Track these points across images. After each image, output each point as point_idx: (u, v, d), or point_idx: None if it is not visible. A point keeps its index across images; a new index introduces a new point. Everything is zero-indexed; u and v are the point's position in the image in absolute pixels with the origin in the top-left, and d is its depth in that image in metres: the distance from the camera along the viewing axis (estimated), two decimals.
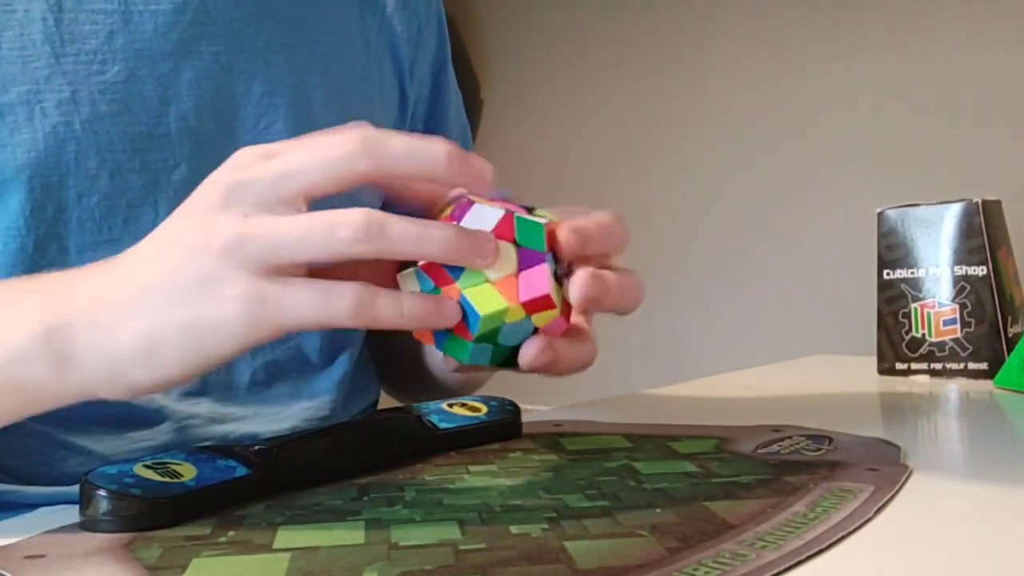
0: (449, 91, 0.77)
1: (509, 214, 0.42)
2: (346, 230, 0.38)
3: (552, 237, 0.42)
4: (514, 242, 0.42)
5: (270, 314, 0.39)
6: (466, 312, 0.41)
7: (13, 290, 0.45)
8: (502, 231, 0.41)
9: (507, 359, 0.43)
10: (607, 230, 0.44)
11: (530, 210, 0.44)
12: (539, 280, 0.41)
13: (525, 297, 0.41)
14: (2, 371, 0.42)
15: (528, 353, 0.42)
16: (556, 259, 0.43)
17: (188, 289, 0.39)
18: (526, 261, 0.41)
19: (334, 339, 0.66)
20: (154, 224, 0.55)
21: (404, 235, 0.39)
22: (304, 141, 0.41)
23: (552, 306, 0.41)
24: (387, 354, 0.75)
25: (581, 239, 0.42)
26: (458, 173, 0.40)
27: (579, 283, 0.41)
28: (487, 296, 0.41)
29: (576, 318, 0.46)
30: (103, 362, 0.41)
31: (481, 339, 0.41)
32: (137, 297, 0.40)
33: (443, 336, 0.42)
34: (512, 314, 0.41)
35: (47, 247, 0.53)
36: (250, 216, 0.39)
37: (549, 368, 0.42)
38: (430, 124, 0.75)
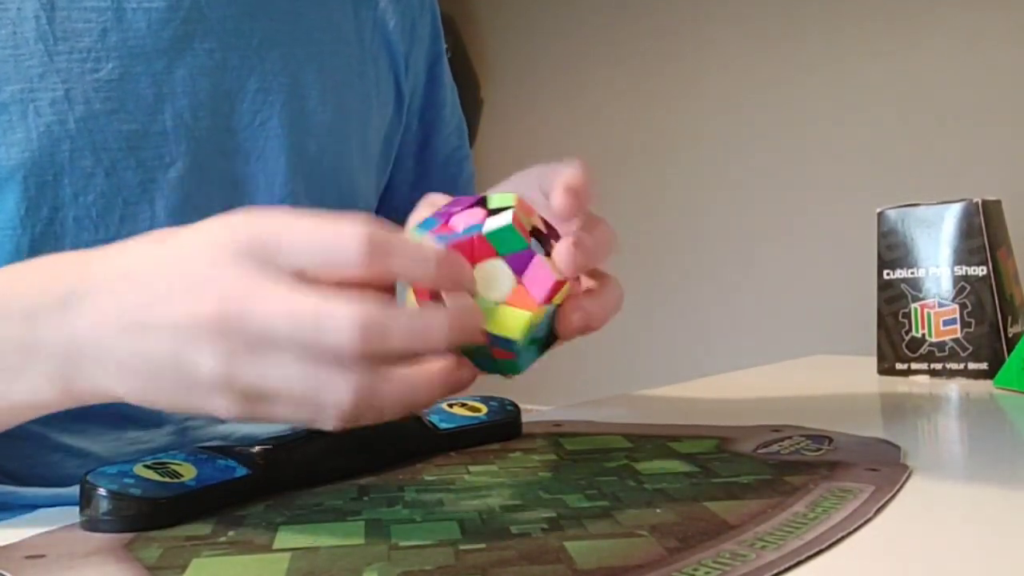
0: (444, 85, 0.77)
1: (478, 237, 0.41)
2: (335, 396, 0.36)
3: (523, 217, 0.42)
4: (496, 255, 0.42)
5: (260, 413, 0.38)
6: (499, 340, 0.41)
7: (22, 330, 0.42)
8: (481, 253, 0.41)
9: (548, 341, 0.44)
10: (605, 235, 0.44)
11: (485, 202, 0.43)
12: (542, 275, 0.41)
13: (540, 297, 0.41)
14: (9, 403, 0.43)
15: (565, 326, 0.42)
16: (539, 237, 0.43)
17: (177, 384, 0.38)
18: (518, 264, 0.41)
19: None
20: (151, 222, 0.55)
21: (392, 395, 0.37)
22: (311, 238, 0.38)
23: (563, 283, 0.41)
24: None
25: (584, 255, 0.42)
26: (442, 281, 0.38)
27: (564, 257, 0.41)
28: (508, 318, 0.40)
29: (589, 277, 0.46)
30: (100, 396, 0.41)
31: (522, 349, 0.41)
32: (124, 367, 0.39)
33: (490, 364, 0.42)
34: (537, 317, 0.41)
35: (43, 246, 0.53)
36: (239, 353, 0.37)
37: (588, 327, 0.43)
38: (426, 118, 0.75)
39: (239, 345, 0.36)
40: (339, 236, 0.37)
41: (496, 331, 0.40)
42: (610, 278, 0.46)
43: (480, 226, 0.41)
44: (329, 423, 0.37)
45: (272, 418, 0.38)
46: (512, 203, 0.42)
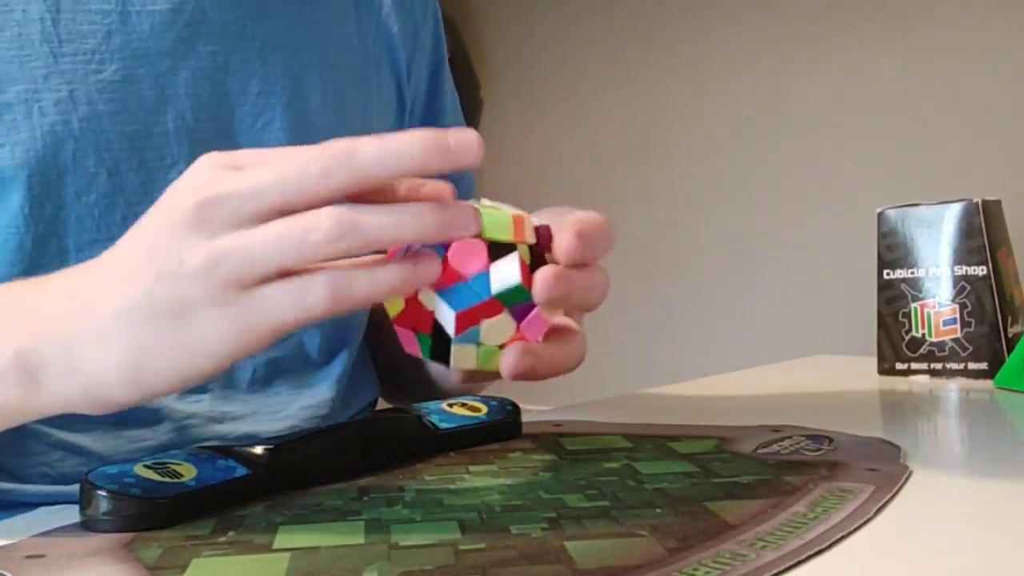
0: (446, 92, 0.77)
1: (491, 300, 0.42)
2: (318, 233, 0.37)
3: (522, 250, 0.42)
4: (504, 309, 0.42)
5: (254, 326, 0.38)
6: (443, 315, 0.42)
7: None
8: (491, 311, 0.42)
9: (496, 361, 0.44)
10: (603, 231, 0.44)
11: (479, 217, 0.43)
12: (538, 323, 0.43)
13: (532, 340, 0.43)
14: None
15: (507, 360, 0.42)
16: (531, 247, 0.43)
17: (166, 314, 0.39)
18: (521, 312, 0.43)
19: (333, 337, 0.66)
20: None
21: (379, 225, 0.38)
22: (273, 155, 0.40)
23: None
24: (387, 361, 0.75)
25: (582, 243, 0.42)
26: (437, 161, 0.39)
27: (542, 283, 0.41)
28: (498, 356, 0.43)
29: (563, 318, 0.46)
30: (79, 385, 0.40)
31: (462, 340, 0.42)
32: (112, 324, 0.39)
33: (426, 341, 0.43)
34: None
35: (46, 245, 0.53)
36: (220, 235, 0.38)
37: (531, 373, 0.42)
38: (427, 124, 0.75)
39: (218, 226, 0.38)
40: (305, 158, 0.38)
41: (489, 367, 0.43)
42: (577, 334, 0.45)
43: (488, 286, 0.41)
44: (322, 300, 0.38)
45: (267, 318, 0.38)
46: (508, 233, 0.42)
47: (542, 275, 0.41)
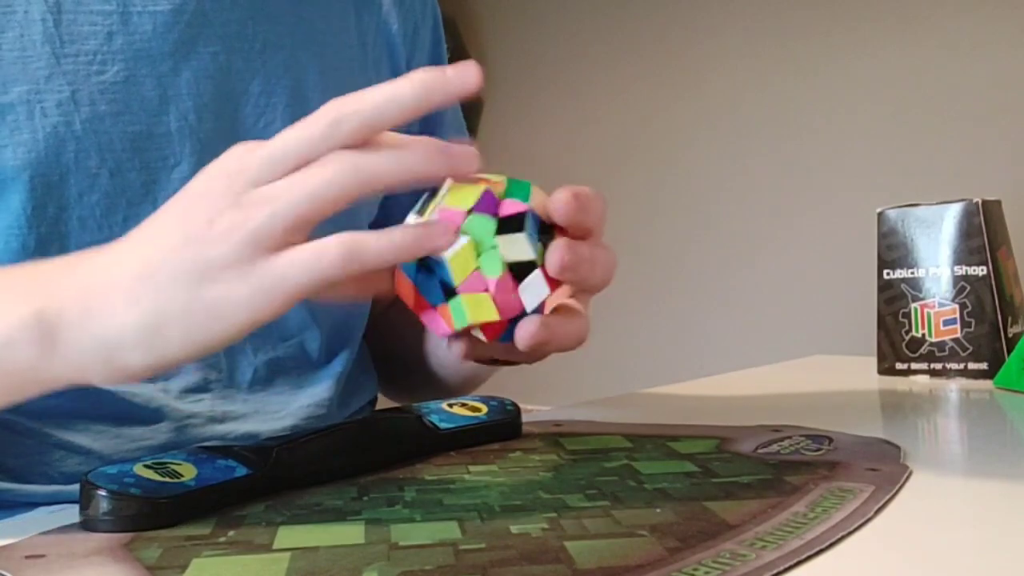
0: None
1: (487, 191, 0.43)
2: (327, 171, 0.40)
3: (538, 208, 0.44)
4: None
5: (270, 291, 0.40)
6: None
7: (4, 277, 0.46)
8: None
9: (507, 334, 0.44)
10: (596, 197, 0.45)
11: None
12: (514, 206, 0.43)
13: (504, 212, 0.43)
14: None
15: (523, 331, 0.43)
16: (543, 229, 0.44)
17: (188, 276, 0.40)
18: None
19: (333, 336, 0.66)
20: None
21: (384, 160, 0.40)
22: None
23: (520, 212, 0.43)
24: (387, 353, 0.75)
25: (579, 204, 0.43)
26: (441, 92, 0.41)
27: (555, 252, 0.43)
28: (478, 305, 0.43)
29: (569, 300, 0.47)
30: (97, 346, 0.41)
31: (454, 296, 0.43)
32: (135, 282, 0.41)
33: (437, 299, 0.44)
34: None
35: (48, 246, 0.53)
36: (245, 196, 0.40)
37: (546, 344, 0.44)
38: (426, 125, 0.75)
39: (244, 188, 0.40)
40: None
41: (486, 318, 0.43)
42: (580, 313, 0.46)
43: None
44: (337, 258, 0.39)
45: (285, 282, 0.39)
46: (470, 201, 0.43)
47: (555, 244, 0.43)
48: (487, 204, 0.42)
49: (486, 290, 0.42)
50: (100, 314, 0.41)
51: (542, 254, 0.43)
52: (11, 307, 0.42)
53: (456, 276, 0.42)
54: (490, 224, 0.42)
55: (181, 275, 0.40)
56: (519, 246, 0.42)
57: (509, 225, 0.42)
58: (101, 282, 0.41)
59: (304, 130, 0.41)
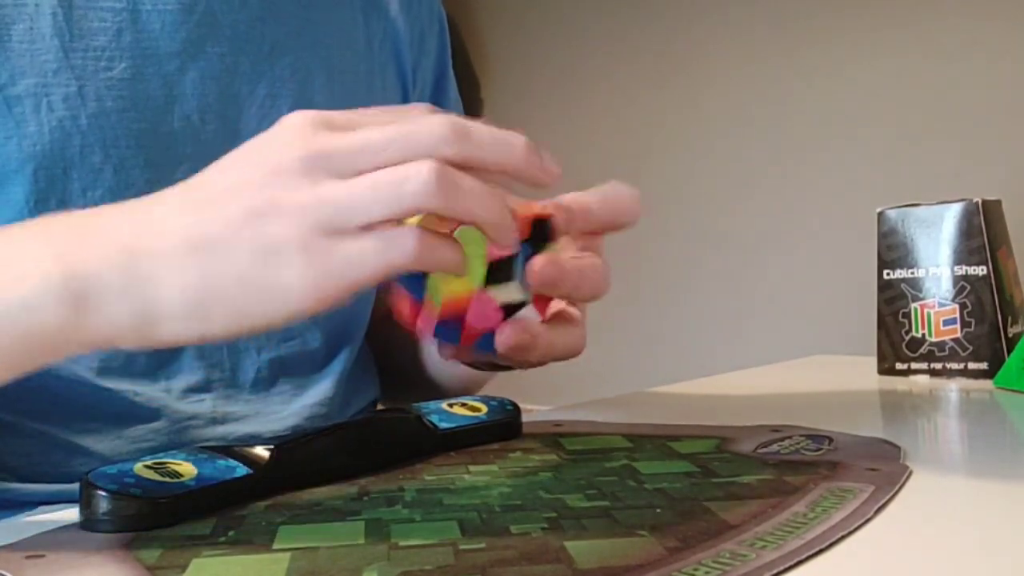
0: (450, 99, 0.77)
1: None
2: (415, 183, 0.37)
3: (525, 226, 0.43)
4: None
5: (333, 275, 0.37)
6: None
7: (17, 233, 0.42)
8: None
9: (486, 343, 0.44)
10: (605, 203, 0.45)
11: None
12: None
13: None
14: (14, 316, 0.38)
15: (503, 335, 0.43)
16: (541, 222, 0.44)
17: (249, 250, 0.37)
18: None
19: (335, 334, 0.66)
20: None
21: (472, 193, 0.38)
22: (365, 116, 0.40)
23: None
24: (386, 356, 0.75)
25: (569, 218, 0.43)
26: (530, 167, 0.39)
27: (534, 266, 0.42)
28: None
29: (570, 308, 0.47)
30: (133, 311, 0.38)
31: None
32: (185, 251, 0.38)
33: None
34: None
35: None
36: (322, 184, 0.38)
37: (525, 351, 0.43)
38: None
39: (323, 176, 0.38)
40: (420, 128, 0.38)
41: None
42: (577, 323, 0.46)
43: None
44: (409, 241, 0.37)
45: (350, 268, 0.37)
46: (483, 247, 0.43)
47: (536, 259, 0.42)
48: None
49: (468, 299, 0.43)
50: (145, 282, 0.38)
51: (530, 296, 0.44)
52: (32, 265, 0.39)
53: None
54: (480, 269, 0.43)
55: (238, 251, 0.38)
56: (510, 291, 0.43)
57: (498, 273, 0.43)
58: (147, 247, 0.38)
59: (408, 138, 0.38)
